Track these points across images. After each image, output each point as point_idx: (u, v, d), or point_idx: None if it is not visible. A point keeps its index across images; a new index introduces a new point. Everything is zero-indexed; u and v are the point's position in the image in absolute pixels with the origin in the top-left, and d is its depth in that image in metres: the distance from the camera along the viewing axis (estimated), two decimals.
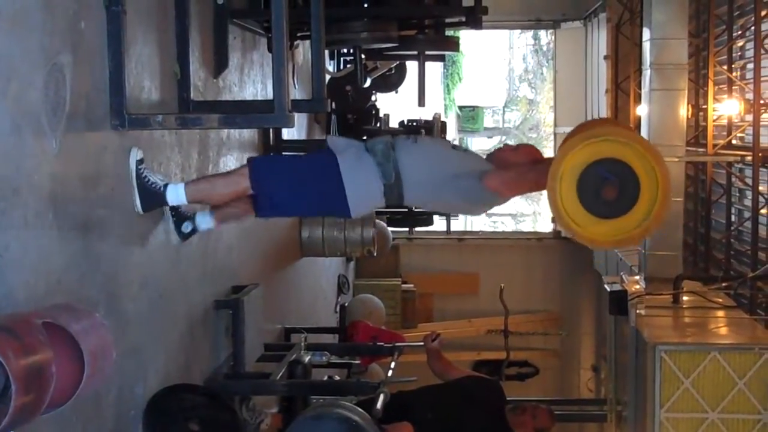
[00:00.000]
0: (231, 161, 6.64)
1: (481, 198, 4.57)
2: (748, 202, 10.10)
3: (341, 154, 4.57)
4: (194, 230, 4.98)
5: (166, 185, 4.58)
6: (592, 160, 4.04)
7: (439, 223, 14.82)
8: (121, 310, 4.40)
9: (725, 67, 10.66)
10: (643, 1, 9.28)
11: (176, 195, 4.59)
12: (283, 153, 4.69)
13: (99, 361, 3.15)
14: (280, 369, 6.27)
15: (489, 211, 4.55)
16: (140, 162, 4.50)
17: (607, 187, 4.01)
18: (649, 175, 4.02)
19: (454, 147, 4.77)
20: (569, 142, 4.21)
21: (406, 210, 13.58)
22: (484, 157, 4.82)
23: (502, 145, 4.87)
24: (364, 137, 4.97)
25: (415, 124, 13.75)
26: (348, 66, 11.36)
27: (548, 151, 23.60)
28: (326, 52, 7.21)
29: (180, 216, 4.92)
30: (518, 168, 4.50)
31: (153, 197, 4.56)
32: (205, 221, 4.93)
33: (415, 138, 4.68)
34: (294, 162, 4.64)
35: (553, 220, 16.26)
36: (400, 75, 12.80)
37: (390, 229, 12.97)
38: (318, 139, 10.56)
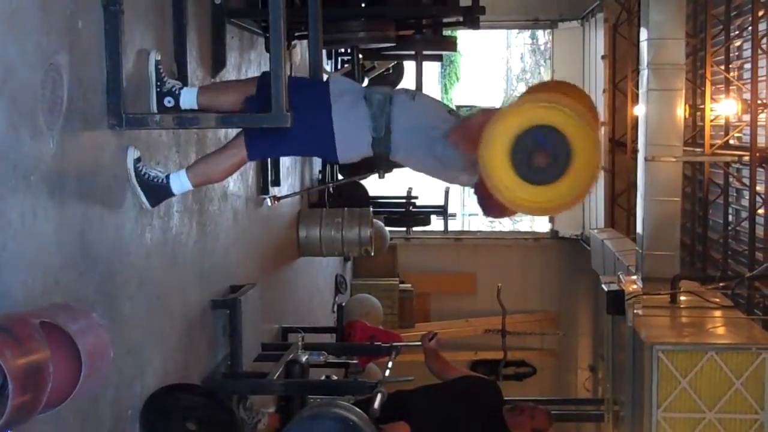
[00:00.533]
0: None
1: (453, 160, 4.53)
2: (745, 202, 10.11)
3: (337, 100, 4.54)
4: (176, 107, 4.75)
5: (168, 176, 4.58)
6: (531, 125, 4.03)
7: (436, 223, 14.80)
8: (119, 310, 4.40)
9: (722, 67, 10.66)
10: (641, 1, 9.28)
11: (180, 183, 4.58)
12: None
13: (96, 360, 3.15)
14: (278, 369, 6.27)
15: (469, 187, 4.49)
16: (137, 161, 4.50)
17: (540, 153, 4.00)
18: (584, 147, 4.03)
19: (450, 111, 4.72)
20: (515, 102, 4.20)
21: (404, 210, 13.59)
22: None
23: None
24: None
25: None
26: (345, 66, 11.35)
27: None
28: (324, 51, 7.21)
29: (165, 90, 4.75)
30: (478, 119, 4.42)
31: (158, 191, 4.56)
32: (189, 100, 4.76)
33: (413, 95, 4.65)
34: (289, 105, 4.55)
35: (551, 220, 16.28)
36: (397, 75, 12.80)
37: (387, 228, 12.97)
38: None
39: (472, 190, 4.62)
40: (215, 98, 4.75)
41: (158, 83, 4.74)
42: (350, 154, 4.65)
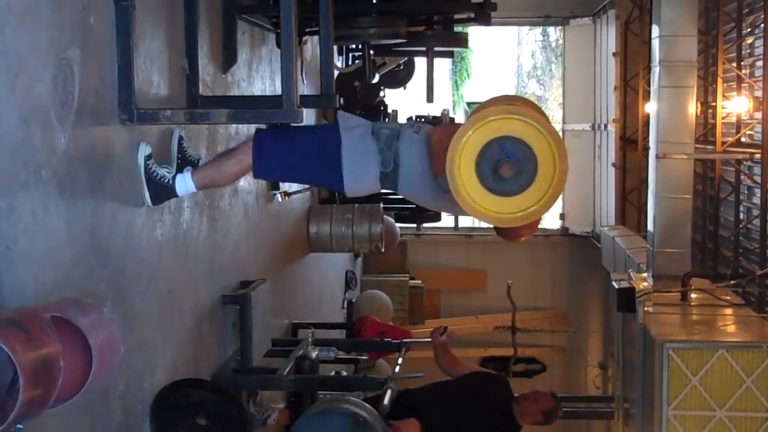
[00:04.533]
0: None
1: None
2: (756, 200, 10.08)
3: (346, 134, 4.55)
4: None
5: (174, 177, 4.59)
6: (496, 136, 4.05)
7: (447, 220, 14.81)
8: (129, 305, 4.41)
9: (734, 64, 10.63)
10: None
11: (185, 185, 4.59)
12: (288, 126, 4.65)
13: (107, 355, 3.16)
14: (288, 364, 6.27)
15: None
16: (149, 157, 4.51)
17: (505, 164, 4.02)
18: (549, 158, 4.04)
19: None
20: (478, 114, 4.20)
21: (414, 206, 13.58)
22: None
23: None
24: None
25: (423, 120, 13.75)
26: (356, 62, 11.35)
27: None
28: (335, 47, 7.21)
29: (185, 160, 4.84)
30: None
31: (162, 190, 4.57)
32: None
33: (419, 129, 4.65)
34: (297, 137, 4.59)
35: (562, 217, 16.26)
36: (408, 71, 12.78)
37: (398, 225, 12.97)
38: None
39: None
40: (215, 181, 4.78)
41: (179, 154, 4.84)
42: (357, 187, 4.65)
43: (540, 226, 19.52)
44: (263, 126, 4.74)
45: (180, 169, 4.78)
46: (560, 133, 16.63)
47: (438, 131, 4.49)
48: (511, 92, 34.80)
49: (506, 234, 4.65)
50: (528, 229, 4.51)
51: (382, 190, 4.80)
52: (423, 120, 13.59)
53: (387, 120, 12.67)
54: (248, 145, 4.59)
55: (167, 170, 4.63)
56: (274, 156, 4.56)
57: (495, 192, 4.08)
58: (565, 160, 4.08)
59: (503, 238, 4.76)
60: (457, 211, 4.68)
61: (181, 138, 4.86)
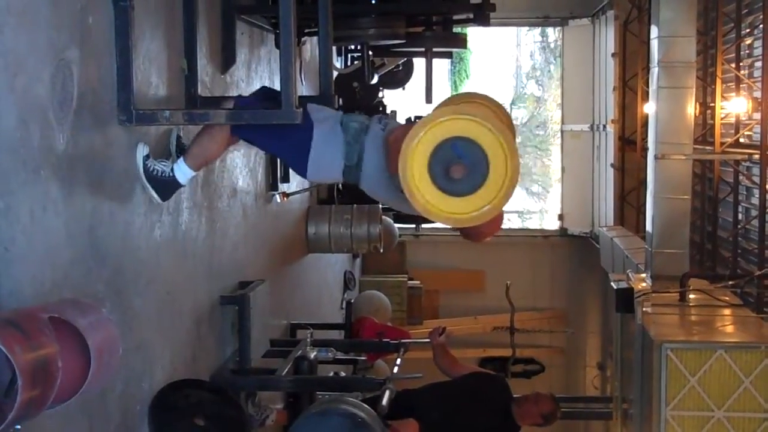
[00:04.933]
0: (238, 156, 6.65)
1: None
2: (755, 201, 10.08)
3: (319, 125, 4.55)
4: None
5: (172, 168, 4.59)
6: (447, 137, 4.05)
7: None
8: (128, 306, 4.41)
9: (733, 65, 10.63)
10: None
11: (183, 172, 4.60)
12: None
13: (105, 356, 3.16)
14: (286, 365, 6.27)
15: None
16: (147, 157, 4.51)
17: (457, 165, 4.02)
18: (500, 156, 4.04)
19: None
20: (430, 115, 4.20)
21: None
22: None
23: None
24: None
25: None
26: (355, 62, 11.35)
27: (555, 149, 23.59)
28: (333, 48, 7.20)
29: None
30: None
31: (167, 185, 4.58)
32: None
33: (385, 124, 4.64)
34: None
35: (560, 217, 16.27)
36: (407, 72, 12.79)
37: (396, 225, 12.97)
38: None
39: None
40: (205, 158, 4.78)
41: (178, 153, 4.86)
42: (319, 175, 4.67)
43: (538, 227, 19.52)
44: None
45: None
46: (558, 134, 16.64)
47: (396, 131, 4.47)
48: (510, 93, 34.82)
49: (469, 234, 4.65)
50: (490, 227, 4.49)
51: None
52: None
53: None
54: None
55: (164, 164, 4.62)
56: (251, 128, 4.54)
57: (448, 192, 4.08)
58: (516, 157, 4.07)
59: (467, 239, 4.76)
60: (413, 210, 4.69)
61: (179, 137, 4.87)
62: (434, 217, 4.19)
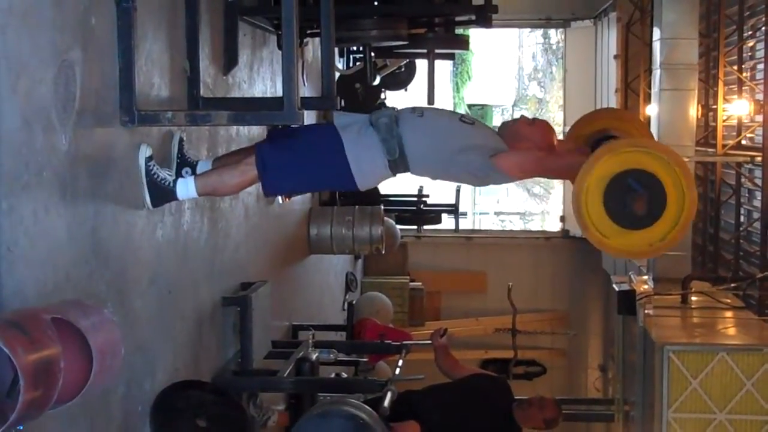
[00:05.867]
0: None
1: (488, 175, 4.52)
2: (757, 203, 10.09)
3: (344, 131, 4.56)
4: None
5: (175, 180, 4.59)
6: (622, 169, 4.04)
7: (447, 222, 14.80)
8: (130, 307, 4.41)
9: (735, 67, 10.64)
10: (654, 0, 9.26)
11: (186, 190, 4.60)
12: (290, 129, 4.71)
13: (107, 357, 3.16)
14: (288, 366, 6.27)
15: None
16: (149, 159, 4.50)
17: (636, 198, 4.02)
18: (676, 188, 4.03)
19: (462, 119, 4.70)
20: (600, 150, 4.18)
21: (415, 208, 13.59)
22: (496, 129, 4.78)
23: (518, 117, 4.86)
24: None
25: None
26: (357, 64, 11.35)
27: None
28: (336, 49, 7.21)
29: (184, 161, 4.89)
30: (534, 153, 4.47)
31: (163, 193, 4.56)
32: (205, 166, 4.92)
33: (421, 111, 4.63)
34: (298, 147, 4.60)
35: (562, 219, 16.28)
36: (409, 73, 12.78)
37: (398, 227, 12.97)
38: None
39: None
40: (217, 189, 4.82)
41: (179, 155, 4.87)
42: (369, 180, 4.69)
43: (540, 229, 19.48)
44: (264, 134, 4.76)
45: (179, 170, 4.80)
46: (560, 135, 16.69)
47: (515, 127, 4.55)
48: (512, 95, 34.81)
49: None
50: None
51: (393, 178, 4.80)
52: None
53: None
54: (252, 157, 4.59)
55: (168, 173, 4.63)
56: (280, 170, 4.57)
57: (624, 226, 4.07)
58: (694, 191, 4.06)
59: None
60: (475, 182, 4.67)
61: (181, 140, 4.87)
62: (610, 252, 4.21)
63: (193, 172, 4.82)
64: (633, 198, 4.01)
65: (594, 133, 4.81)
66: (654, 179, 4.02)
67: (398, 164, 4.56)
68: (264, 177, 4.57)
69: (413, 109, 4.67)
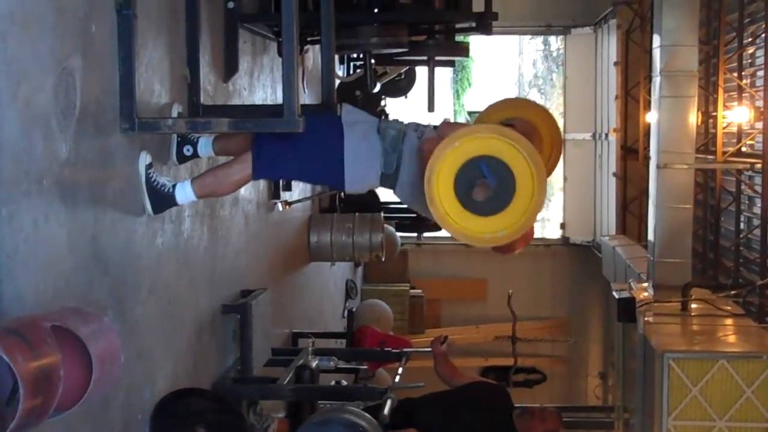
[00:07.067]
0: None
1: None
2: (757, 210, 10.08)
3: (349, 130, 4.57)
4: (195, 155, 4.95)
5: (174, 186, 4.60)
6: (480, 153, 4.05)
7: None
8: (130, 314, 4.41)
9: (735, 74, 10.64)
10: (654, 7, 9.26)
11: (185, 194, 4.61)
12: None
13: (107, 365, 3.16)
14: (288, 374, 6.27)
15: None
16: (149, 166, 4.51)
17: (483, 185, 4.03)
18: (527, 186, 4.05)
19: None
20: (466, 129, 4.20)
21: (415, 215, 13.58)
22: None
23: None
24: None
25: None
26: (358, 71, 11.36)
27: None
28: (336, 56, 7.21)
29: (185, 139, 4.91)
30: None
31: (163, 199, 4.57)
32: (206, 148, 4.95)
33: (422, 132, 4.64)
34: (298, 138, 4.60)
35: (562, 226, 16.27)
36: (409, 80, 12.79)
37: (398, 234, 12.97)
38: None
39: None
40: (214, 190, 4.82)
41: (179, 138, 4.91)
42: (357, 184, 4.67)
43: (540, 236, 19.50)
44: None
45: (179, 148, 4.85)
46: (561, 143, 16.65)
47: (431, 140, 4.48)
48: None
49: (498, 247, 4.63)
50: (519, 242, 4.49)
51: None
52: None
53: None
54: (248, 154, 4.60)
55: (168, 179, 4.64)
56: (273, 159, 4.57)
57: (468, 209, 4.08)
58: (544, 189, 4.08)
59: (496, 251, 4.73)
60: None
61: (180, 115, 4.88)
62: (450, 230, 4.20)
63: (195, 150, 4.86)
64: (480, 184, 4.02)
65: (501, 121, 4.76)
66: (508, 171, 4.04)
67: (389, 179, 4.57)
68: (256, 163, 4.58)
69: (416, 128, 4.66)
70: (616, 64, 14.05)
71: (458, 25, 8.33)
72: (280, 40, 6.88)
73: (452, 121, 4.73)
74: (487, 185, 4.03)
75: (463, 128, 4.22)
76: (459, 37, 9.06)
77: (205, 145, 4.92)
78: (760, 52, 10.15)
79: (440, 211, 4.10)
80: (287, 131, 4.34)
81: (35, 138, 3.42)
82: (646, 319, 7.01)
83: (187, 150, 4.89)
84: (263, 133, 4.60)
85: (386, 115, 12.76)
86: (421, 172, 4.45)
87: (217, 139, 4.97)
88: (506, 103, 5.03)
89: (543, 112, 4.98)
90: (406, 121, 4.74)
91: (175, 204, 4.64)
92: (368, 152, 4.53)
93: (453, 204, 4.08)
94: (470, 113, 34.31)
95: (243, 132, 4.74)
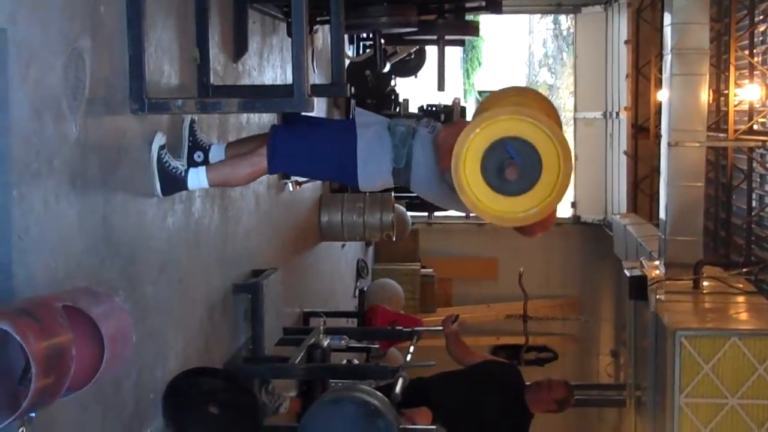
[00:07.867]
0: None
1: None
2: None
3: (362, 131, 4.64)
4: (205, 161, 4.92)
5: (187, 170, 4.61)
6: (503, 136, 4.08)
7: None
8: (141, 294, 4.42)
9: (747, 52, 10.59)
10: None
11: (198, 180, 4.63)
12: (304, 119, 4.79)
13: (119, 344, 3.17)
14: (299, 353, 6.28)
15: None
16: (162, 147, 4.52)
17: (510, 165, 4.05)
18: (553, 162, 4.07)
19: None
20: (487, 113, 4.22)
21: None
22: None
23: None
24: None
25: (434, 108, 13.73)
26: (367, 50, 11.34)
27: (568, 137, 23.51)
28: (345, 36, 7.20)
29: (196, 144, 4.91)
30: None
31: (174, 182, 4.58)
32: (218, 155, 4.94)
33: (433, 128, 4.69)
34: (313, 136, 4.68)
35: (573, 205, 16.25)
36: (419, 60, 12.77)
37: (409, 213, 12.96)
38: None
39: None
40: (229, 180, 4.87)
41: (191, 138, 4.88)
42: (370, 182, 4.75)
43: None
44: (274, 120, 4.77)
45: (190, 153, 4.82)
46: (572, 122, 16.60)
47: (445, 129, 4.55)
48: (522, 81, 34.74)
49: (521, 229, 4.66)
50: (542, 224, 4.51)
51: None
52: (434, 108, 13.58)
53: (399, 110, 12.66)
54: (264, 148, 4.63)
55: (181, 163, 4.65)
56: (289, 154, 4.67)
57: (498, 191, 4.12)
58: (570, 163, 4.11)
59: (519, 233, 4.76)
60: (464, 209, 4.70)
61: (193, 122, 4.88)
62: (482, 214, 4.23)
63: (206, 157, 4.85)
64: (508, 164, 4.05)
65: None
66: (533, 150, 4.07)
67: (401, 174, 4.64)
68: (271, 160, 4.62)
69: (427, 123, 4.71)
70: (626, 42, 14.00)
71: (468, 4, 8.31)
72: (290, 20, 6.87)
73: (462, 100, 4.79)
74: (515, 165, 4.05)
75: (482, 114, 4.24)
76: (469, 16, 9.03)
77: (216, 151, 4.92)
78: None
79: (471, 198, 4.13)
80: (297, 111, 4.34)
81: (45, 119, 3.43)
82: (657, 297, 6.99)
83: (198, 156, 4.86)
84: (279, 130, 4.64)
85: (396, 95, 12.75)
86: (433, 162, 4.54)
87: (230, 145, 5.01)
88: (508, 91, 5.04)
89: (543, 100, 4.99)
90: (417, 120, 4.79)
91: (185, 188, 4.65)
92: (380, 150, 4.61)
93: (483, 189, 4.12)
94: (480, 92, 34.29)
95: (256, 139, 4.80)
